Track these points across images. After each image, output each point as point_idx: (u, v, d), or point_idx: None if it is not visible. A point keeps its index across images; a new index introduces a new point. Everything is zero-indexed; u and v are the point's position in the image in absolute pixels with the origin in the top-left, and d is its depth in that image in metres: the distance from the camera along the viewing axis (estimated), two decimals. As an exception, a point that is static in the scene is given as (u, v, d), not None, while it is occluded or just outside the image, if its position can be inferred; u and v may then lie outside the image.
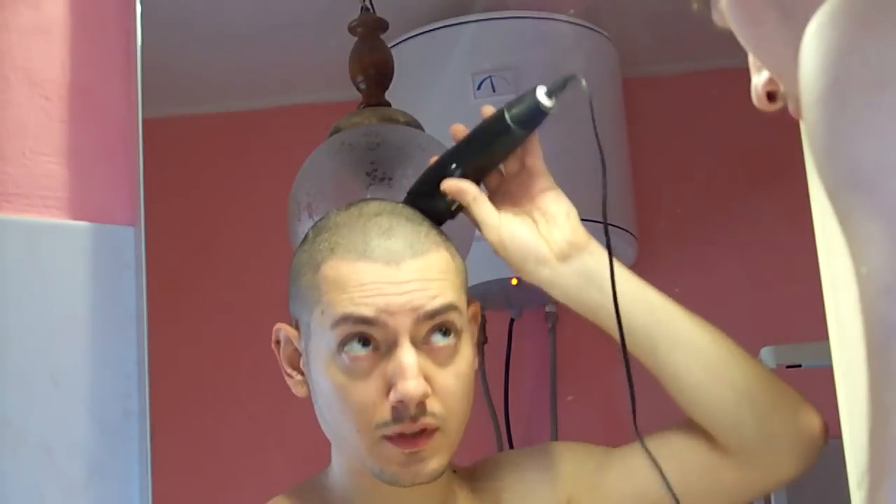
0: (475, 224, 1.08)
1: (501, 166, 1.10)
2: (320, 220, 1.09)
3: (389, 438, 1.00)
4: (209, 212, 1.82)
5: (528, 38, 1.86)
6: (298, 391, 1.07)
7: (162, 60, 1.18)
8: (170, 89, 1.61)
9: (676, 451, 1.09)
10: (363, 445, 1.01)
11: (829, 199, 0.50)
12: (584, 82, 1.04)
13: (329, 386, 1.02)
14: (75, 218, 1.09)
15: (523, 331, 1.93)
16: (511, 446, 1.84)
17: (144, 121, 1.12)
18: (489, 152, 1.09)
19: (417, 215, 1.06)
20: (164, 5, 1.29)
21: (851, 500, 0.96)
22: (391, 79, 1.54)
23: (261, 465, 1.71)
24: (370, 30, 1.55)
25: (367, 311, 0.99)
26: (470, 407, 1.05)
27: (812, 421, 1.09)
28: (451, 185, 1.07)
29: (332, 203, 1.47)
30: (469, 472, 1.13)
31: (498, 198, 1.09)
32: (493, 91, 1.78)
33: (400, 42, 1.83)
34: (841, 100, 0.49)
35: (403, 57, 1.70)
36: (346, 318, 1.00)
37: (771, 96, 0.74)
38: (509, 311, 1.91)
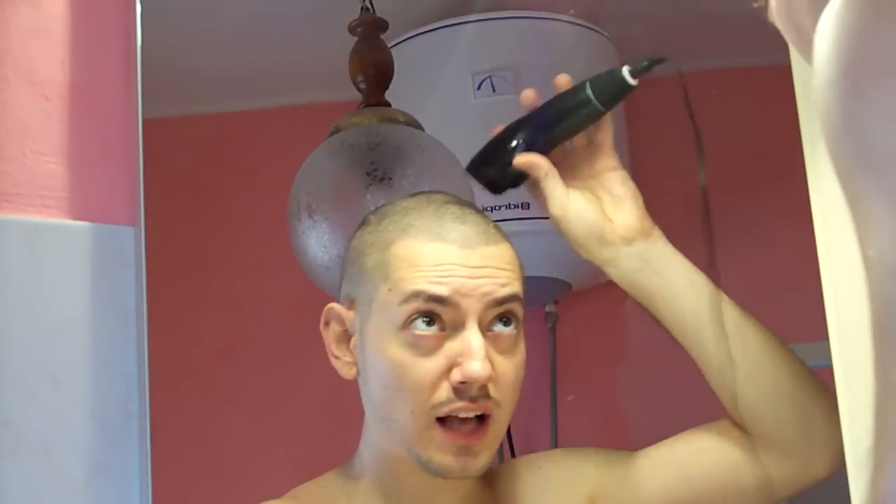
0: (539, 197, 1.09)
1: (568, 142, 1.11)
2: (382, 206, 1.10)
3: (443, 424, 0.99)
4: (209, 212, 1.82)
5: (528, 38, 1.85)
6: (346, 373, 1.07)
7: (162, 60, 1.18)
8: (170, 89, 1.61)
9: (708, 448, 1.10)
10: (415, 429, 1.00)
11: (839, 182, 0.50)
12: (672, 62, 1.05)
13: (388, 363, 1.01)
14: (75, 218, 1.09)
15: (523, 331, 1.93)
16: (511, 446, 1.84)
17: (144, 121, 1.12)
18: (564, 125, 1.08)
19: (480, 210, 1.08)
20: (164, 5, 1.29)
21: (850, 487, 0.96)
22: (391, 79, 1.54)
23: (261, 465, 1.71)
24: (370, 30, 1.55)
25: (441, 291, 1.00)
26: (516, 403, 1.05)
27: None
28: (526, 159, 1.08)
29: (332, 203, 1.47)
30: (489, 475, 1.13)
31: (561, 171, 1.09)
32: (493, 91, 1.78)
33: (400, 42, 1.83)
34: (854, 83, 0.49)
35: (403, 57, 1.70)
36: (418, 295, 1.00)
37: None
38: (509, 311, 1.90)
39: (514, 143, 1.08)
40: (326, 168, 1.49)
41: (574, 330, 1.92)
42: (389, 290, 1.02)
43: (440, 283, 1.00)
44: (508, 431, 1.85)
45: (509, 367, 1.02)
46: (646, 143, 1.95)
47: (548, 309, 1.91)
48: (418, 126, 1.51)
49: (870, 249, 0.47)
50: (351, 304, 1.07)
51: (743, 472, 1.09)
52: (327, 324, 1.08)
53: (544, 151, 1.08)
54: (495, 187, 1.09)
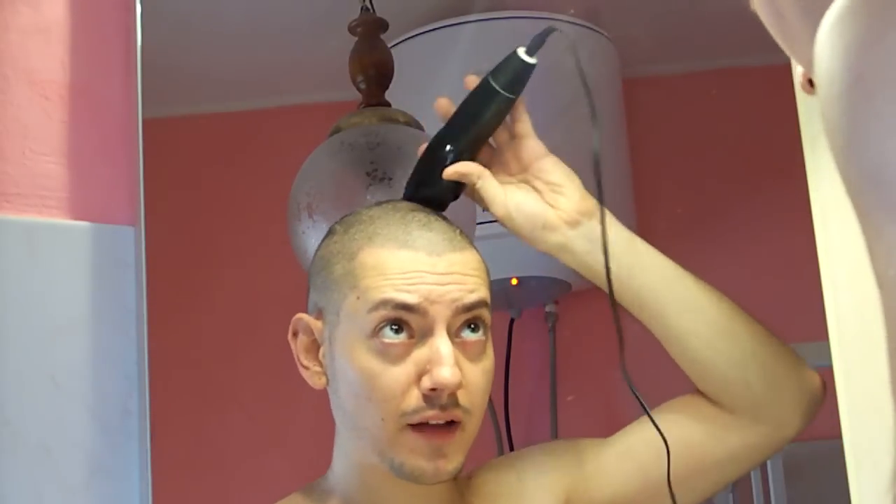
0: (480, 202, 1.09)
1: (491, 139, 1.11)
2: (347, 216, 1.09)
3: (414, 427, 0.99)
4: (209, 212, 1.82)
5: (528, 38, 1.85)
6: (315, 382, 1.06)
7: (162, 60, 1.18)
8: (170, 89, 1.61)
9: (679, 421, 1.10)
10: (386, 436, 1.00)
11: (849, 198, 0.49)
12: (562, 31, 1.05)
13: (357, 372, 1.01)
14: (75, 218, 1.09)
15: (523, 331, 1.93)
16: (511, 446, 1.84)
17: (144, 121, 1.12)
18: (480, 124, 1.09)
19: (446, 217, 1.08)
20: (164, 5, 1.29)
21: (850, 487, 0.96)
22: (391, 79, 1.54)
23: (260, 465, 1.71)
24: (370, 30, 1.55)
25: (409, 298, 1.00)
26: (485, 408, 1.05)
27: (813, 377, 1.11)
28: (453, 170, 1.08)
29: (332, 203, 1.47)
30: (466, 479, 1.13)
31: (494, 172, 1.09)
32: (493, 91, 1.78)
33: (400, 42, 1.83)
34: (865, 96, 0.47)
35: (403, 57, 1.70)
36: (386, 303, 1.00)
37: (812, 83, 0.73)
38: (509, 312, 1.91)
39: (441, 156, 1.08)
40: (326, 168, 1.49)
41: (574, 330, 1.92)
42: (357, 298, 1.01)
43: (408, 291, 1.00)
44: (508, 431, 1.87)
45: (478, 373, 1.02)
46: (646, 143, 1.95)
47: (548, 309, 1.91)
48: (418, 126, 1.51)
49: (889, 269, 0.46)
50: (319, 313, 1.06)
51: (717, 442, 1.10)
52: (295, 334, 1.08)
53: (472, 156, 1.09)
54: (438, 204, 1.08)
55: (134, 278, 1.09)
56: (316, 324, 1.06)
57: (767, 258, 1.88)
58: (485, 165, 1.09)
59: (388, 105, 1.52)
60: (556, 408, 1.90)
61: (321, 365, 1.06)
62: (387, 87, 1.54)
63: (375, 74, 1.53)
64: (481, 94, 1.08)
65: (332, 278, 1.04)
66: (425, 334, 1.00)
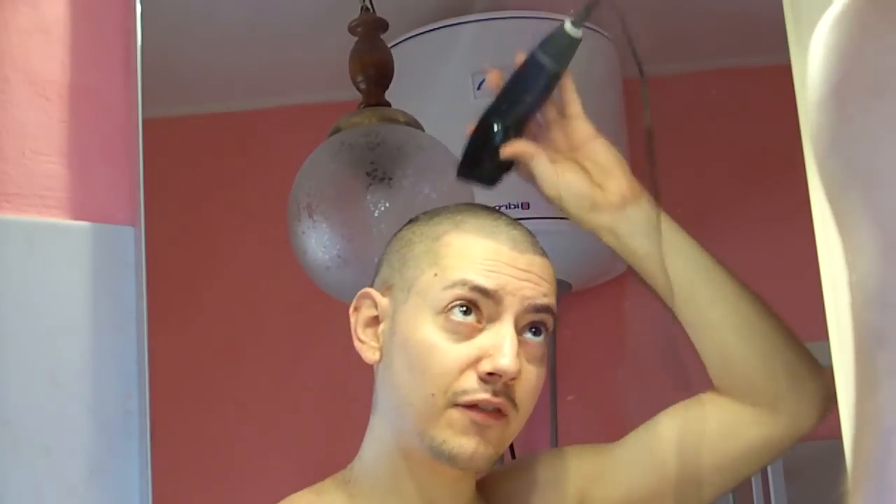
0: (531, 179, 1.11)
1: (539, 115, 1.12)
2: (430, 210, 1.12)
3: (462, 406, 1.00)
4: (209, 212, 1.83)
5: (528, 38, 1.85)
6: (369, 356, 1.08)
7: (162, 60, 1.18)
8: (170, 89, 1.61)
9: (698, 416, 1.11)
10: (432, 412, 1.01)
11: (827, 202, 0.50)
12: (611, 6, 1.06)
13: (419, 345, 1.02)
14: (75, 218, 1.09)
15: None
16: (511, 445, 1.84)
17: (144, 121, 1.12)
18: (528, 98, 1.09)
19: None
20: (164, 5, 1.29)
21: None
22: (391, 79, 1.54)
23: (261, 464, 1.72)
24: (370, 30, 1.55)
25: (488, 283, 1.02)
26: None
27: (829, 373, 1.11)
28: (509, 150, 1.09)
29: (332, 203, 1.47)
30: (484, 481, 1.14)
31: (543, 147, 1.11)
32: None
33: (400, 42, 1.83)
34: (839, 103, 0.49)
35: (403, 57, 1.70)
36: (465, 283, 1.02)
37: None
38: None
39: (492, 133, 1.09)
40: (326, 168, 1.49)
41: (574, 330, 1.92)
42: (435, 275, 1.04)
43: (488, 277, 1.02)
44: (508, 431, 1.86)
45: (532, 374, 1.04)
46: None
47: (548, 309, 1.91)
48: (418, 126, 1.51)
49: (852, 273, 0.47)
50: (387, 290, 1.08)
51: (736, 437, 1.11)
52: (357, 308, 1.09)
53: (520, 132, 1.10)
54: (490, 181, 1.11)
55: (134, 278, 1.09)
56: (381, 300, 1.08)
57: (767, 258, 1.88)
58: (533, 141, 1.11)
59: (388, 105, 1.53)
60: (556, 408, 1.90)
61: (377, 341, 1.07)
62: (387, 87, 1.54)
63: (375, 74, 1.53)
64: (529, 70, 1.08)
65: (411, 255, 1.07)
66: (492, 322, 1.02)
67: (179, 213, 1.70)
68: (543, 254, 1.08)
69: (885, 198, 0.46)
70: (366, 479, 1.08)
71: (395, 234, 1.12)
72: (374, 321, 1.08)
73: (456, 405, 1.00)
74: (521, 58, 1.10)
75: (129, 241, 1.10)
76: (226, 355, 1.75)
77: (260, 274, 1.80)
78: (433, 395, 1.01)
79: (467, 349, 1.01)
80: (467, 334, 1.02)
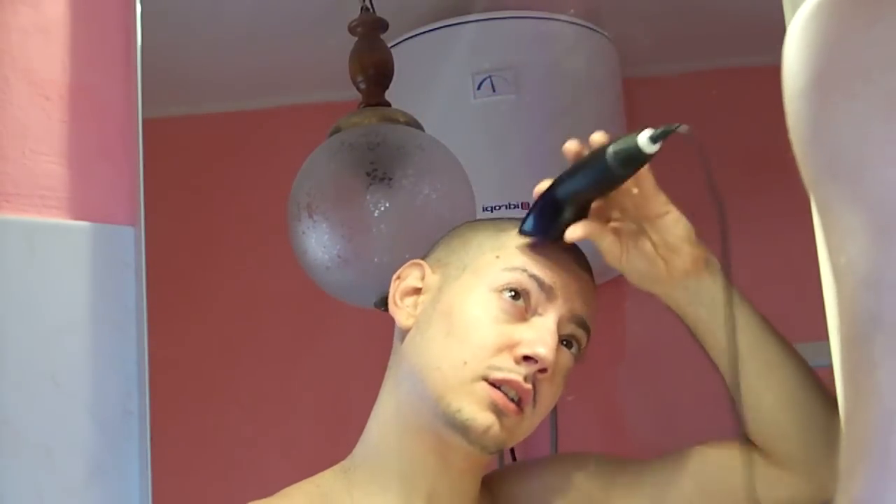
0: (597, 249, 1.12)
1: None
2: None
3: (489, 382, 1.02)
4: (209, 212, 1.83)
5: (528, 38, 1.85)
6: (402, 320, 1.09)
7: (162, 60, 1.18)
8: (170, 89, 1.61)
9: (729, 466, 1.09)
10: (459, 379, 1.02)
11: (808, 190, 0.50)
12: (688, 130, 1.05)
13: (465, 314, 1.05)
14: (75, 218, 1.09)
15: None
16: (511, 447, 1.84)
17: (144, 121, 1.12)
18: (591, 187, 1.08)
19: None
20: (165, 5, 1.29)
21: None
22: (391, 79, 1.54)
23: (261, 464, 1.71)
24: (370, 30, 1.55)
25: (546, 277, 1.06)
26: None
27: None
28: (574, 233, 1.07)
29: (332, 203, 1.47)
30: (488, 479, 1.14)
31: (608, 208, 1.09)
32: (493, 91, 1.78)
33: (400, 42, 1.83)
34: (823, 91, 0.49)
35: (403, 57, 1.70)
36: (524, 270, 1.06)
37: None
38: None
39: (558, 204, 1.08)
40: (326, 168, 1.49)
41: (574, 330, 1.92)
42: (497, 257, 1.07)
43: (547, 272, 1.06)
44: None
45: (557, 381, 1.07)
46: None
47: (548, 309, 1.91)
48: (418, 126, 1.51)
49: (840, 257, 0.47)
50: (438, 267, 1.10)
51: (766, 498, 1.09)
52: (400, 277, 1.12)
53: (586, 206, 1.08)
54: (554, 239, 1.10)
55: (134, 278, 1.09)
56: (431, 274, 1.10)
57: (768, 258, 1.88)
58: (602, 205, 1.09)
59: (388, 105, 1.53)
60: (556, 408, 1.90)
61: (415, 309, 1.09)
62: (387, 87, 1.54)
63: (375, 74, 1.53)
64: (595, 162, 1.06)
65: (474, 239, 1.10)
66: (537, 316, 1.05)
67: (179, 213, 1.70)
68: (596, 287, 1.11)
69: (875, 182, 0.46)
70: (367, 464, 1.08)
71: (459, 226, 1.15)
72: (415, 292, 1.10)
73: (485, 379, 1.02)
74: (598, 138, 1.07)
75: (129, 241, 1.10)
76: (226, 355, 1.75)
77: (260, 274, 1.80)
78: (466, 363, 1.03)
79: (510, 331, 1.04)
80: (512, 317, 1.04)
